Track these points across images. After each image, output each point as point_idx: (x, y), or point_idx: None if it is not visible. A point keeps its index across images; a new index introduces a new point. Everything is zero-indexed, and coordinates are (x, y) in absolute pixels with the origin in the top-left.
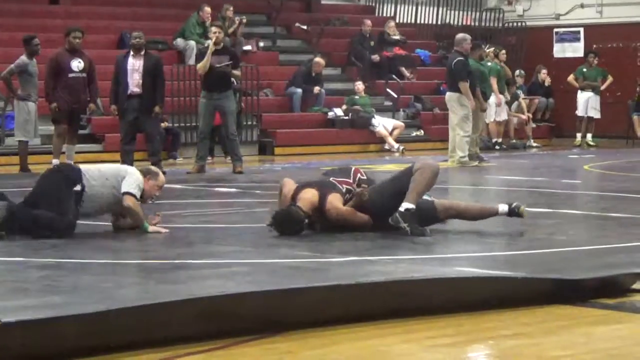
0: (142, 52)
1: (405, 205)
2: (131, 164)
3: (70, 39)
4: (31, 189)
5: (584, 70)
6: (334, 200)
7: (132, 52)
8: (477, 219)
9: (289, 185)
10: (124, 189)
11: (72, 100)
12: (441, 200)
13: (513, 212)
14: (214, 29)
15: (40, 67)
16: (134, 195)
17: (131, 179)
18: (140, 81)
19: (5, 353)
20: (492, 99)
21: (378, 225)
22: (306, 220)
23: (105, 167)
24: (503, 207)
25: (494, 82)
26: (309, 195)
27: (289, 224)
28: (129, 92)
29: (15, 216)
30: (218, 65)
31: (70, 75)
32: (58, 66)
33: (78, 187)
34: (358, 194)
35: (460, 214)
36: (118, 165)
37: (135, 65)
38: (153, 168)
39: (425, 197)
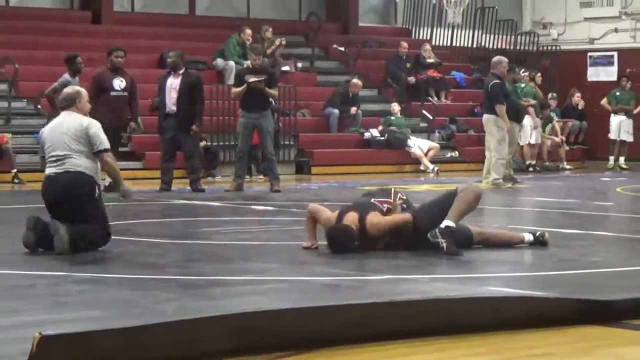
0: (181, 71)
1: (446, 223)
2: (171, 181)
3: (113, 58)
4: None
5: (617, 94)
6: (373, 218)
7: (171, 72)
8: (503, 246)
9: (326, 211)
10: (98, 148)
11: (114, 118)
12: (475, 228)
13: (538, 241)
14: (253, 55)
15: (82, 85)
16: (109, 149)
17: (97, 137)
18: (176, 100)
19: None
20: (527, 121)
21: (422, 245)
22: (356, 242)
23: (69, 136)
24: (529, 237)
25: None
26: (351, 219)
27: (344, 240)
28: (167, 110)
29: (72, 238)
30: (252, 80)
31: (112, 93)
32: (100, 85)
33: (97, 192)
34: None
35: (488, 240)
36: (78, 129)
37: (173, 84)
38: (70, 91)
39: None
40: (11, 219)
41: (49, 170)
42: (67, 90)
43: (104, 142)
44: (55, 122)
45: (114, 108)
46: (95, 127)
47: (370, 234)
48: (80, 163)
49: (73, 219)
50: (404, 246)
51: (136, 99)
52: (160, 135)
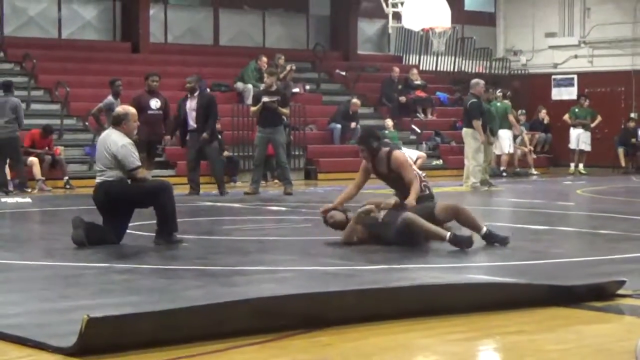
0: (196, 94)
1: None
2: (198, 186)
3: (149, 82)
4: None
5: (576, 110)
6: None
7: (188, 95)
8: (465, 226)
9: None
10: (128, 168)
11: (151, 133)
12: (443, 203)
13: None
14: (266, 77)
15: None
16: (138, 167)
17: (126, 159)
18: (195, 118)
19: (92, 343)
20: (507, 134)
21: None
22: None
23: (105, 157)
24: (484, 231)
25: (511, 117)
26: None
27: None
28: (189, 127)
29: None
30: (266, 100)
31: (149, 112)
32: (139, 105)
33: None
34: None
35: (459, 216)
36: (113, 152)
37: (191, 105)
38: (120, 111)
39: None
40: (64, 219)
41: (96, 179)
42: (118, 109)
43: (133, 162)
44: (103, 135)
45: (150, 124)
46: (124, 152)
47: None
48: (113, 174)
49: (116, 215)
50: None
51: (169, 116)
52: (187, 148)
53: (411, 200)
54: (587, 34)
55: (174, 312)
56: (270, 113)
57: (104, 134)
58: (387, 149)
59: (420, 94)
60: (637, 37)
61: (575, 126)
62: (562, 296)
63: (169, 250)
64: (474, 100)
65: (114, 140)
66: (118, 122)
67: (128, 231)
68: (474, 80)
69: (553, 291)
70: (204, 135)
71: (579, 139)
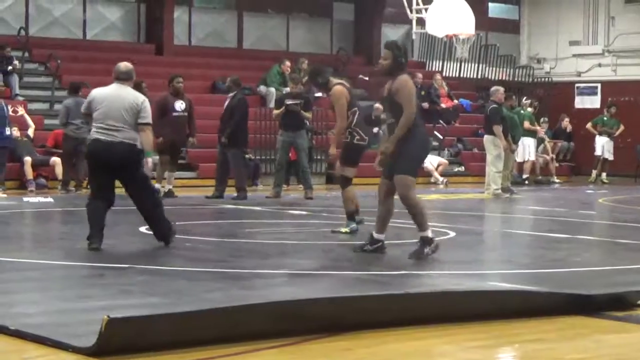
0: (230, 95)
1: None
2: (223, 190)
3: (175, 84)
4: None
5: (604, 118)
6: None
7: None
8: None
9: None
10: (145, 121)
11: (175, 135)
12: None
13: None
14: (291, 83)
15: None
16: (149, 124)
17: (148, 111)
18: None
19: (111, 343)
20: (529, 142)
21: None
22: None
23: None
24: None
25: (527, 125)
26: None
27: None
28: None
29: None
30: (289, 103)
31: (174, 114)
32: (164, 107)
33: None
34: None
35: None
36: (132, 102)
37: (226, 105)
38: (128, 67)
39: None
40: (85, 219)
41: (108, 137)
42: (122, 66)
43: (150, 115)
44: (112, 90)
45: (175, 126)
46: (146, 104)
47: None
48: (133, 136)
49: (110, 180)
50: None
51: (193, 118)
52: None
53: (331, 150)
54: (611, 43)
55: (194, 314)
56: (292, 117)
57: (112, 88)
58: (336, 81)
59: (447, 103)
60: None
61: (600, 134)
62: (582, 305)
63: (190, 252)
64: (494, 106)
65: (133, 93)
66: (129, 77)
67: (149, 232)
68: (494, 88)
69: (573, 300)
70: (222, 140)
71: (603, 147)
